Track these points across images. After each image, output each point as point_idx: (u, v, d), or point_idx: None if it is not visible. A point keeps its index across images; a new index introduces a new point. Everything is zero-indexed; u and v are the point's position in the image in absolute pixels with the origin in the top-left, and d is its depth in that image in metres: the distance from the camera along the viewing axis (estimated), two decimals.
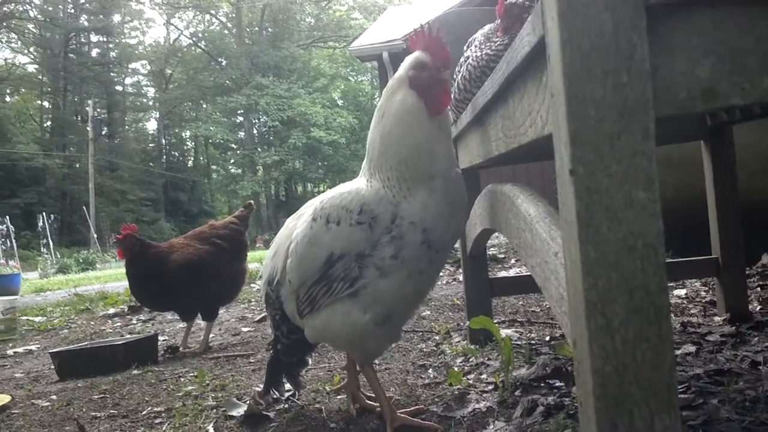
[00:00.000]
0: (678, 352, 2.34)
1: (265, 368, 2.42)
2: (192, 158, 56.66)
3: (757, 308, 2.96)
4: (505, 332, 2.87)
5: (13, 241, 19.17)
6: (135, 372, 3.39)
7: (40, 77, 48.75)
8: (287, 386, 2.40)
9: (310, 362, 2.43)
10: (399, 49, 12.04)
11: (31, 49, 48.76)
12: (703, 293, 3.54)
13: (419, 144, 1.82)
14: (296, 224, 2.11)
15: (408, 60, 1.90)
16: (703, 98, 0.89)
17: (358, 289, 1.86)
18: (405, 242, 1.80)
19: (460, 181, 1.93)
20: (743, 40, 0.87)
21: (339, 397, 2.41)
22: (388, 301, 1.87)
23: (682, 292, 3.61)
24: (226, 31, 53.32)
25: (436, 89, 1.85)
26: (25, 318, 6.48)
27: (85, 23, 49.16)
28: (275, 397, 2.38)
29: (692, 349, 2.37)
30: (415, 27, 1.94)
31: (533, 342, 2.86)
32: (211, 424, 2.27)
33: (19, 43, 47.98)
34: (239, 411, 2.33)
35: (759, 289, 3.42)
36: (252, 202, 4.49)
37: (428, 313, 4.00)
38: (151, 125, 55.41)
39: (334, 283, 1.89)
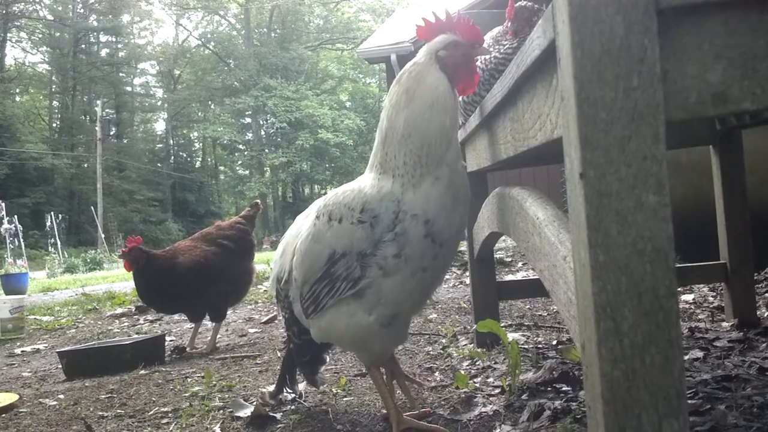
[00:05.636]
0: (685, 357, 2.33)
1: (280, 366, 2.43)
2: (200, 159, 56.71)
3: (765, 314, 2.94)
4: (512, 336, 2.87)
5: (21, 240, 19.21)
6: (142, 372, 3.40)
7: (49, 77, 48.96)
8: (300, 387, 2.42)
9: (328, 359, 2.43)
10: (407, 51, 12.05)
11: (41, 49, 48.98)
12: (710, 298, 3.52)
13: (445, 128, 1.81)
14: (304, 223, 2.11)
15: (435, 42, 1.85)
16: (714, 102, 0.89)
17: (362, 289, 1.85)
18: (408, 238, 1.78)
19: (464, 173, 1.92)
20: (755, 45, 0.87)
21: (345, 399, 2.41)
22: (393, 301, 1.85)
23: (690, 297, 3.60)
24: (234, 33, 53.38)
25: (468, 67, 1.86)
26: (32, 317, 6.50)
27: (95, 23, 49.30)
28: (288, 391, 2.39)
29: (700, 354, 2.36)
30: (424, 17, 1.92)
31: (540, 346, 2.85)
32: (218, 425, 2.27)
33: (29, 42, 48.24)
34: (246, 412, 2.33)
35: (767, 294, 3.41)
36: (258, 201, 4.49)
37: (435, 316, 4.00)
38: (159, 126, 55.56)
39: (336, 282, 1.88)
